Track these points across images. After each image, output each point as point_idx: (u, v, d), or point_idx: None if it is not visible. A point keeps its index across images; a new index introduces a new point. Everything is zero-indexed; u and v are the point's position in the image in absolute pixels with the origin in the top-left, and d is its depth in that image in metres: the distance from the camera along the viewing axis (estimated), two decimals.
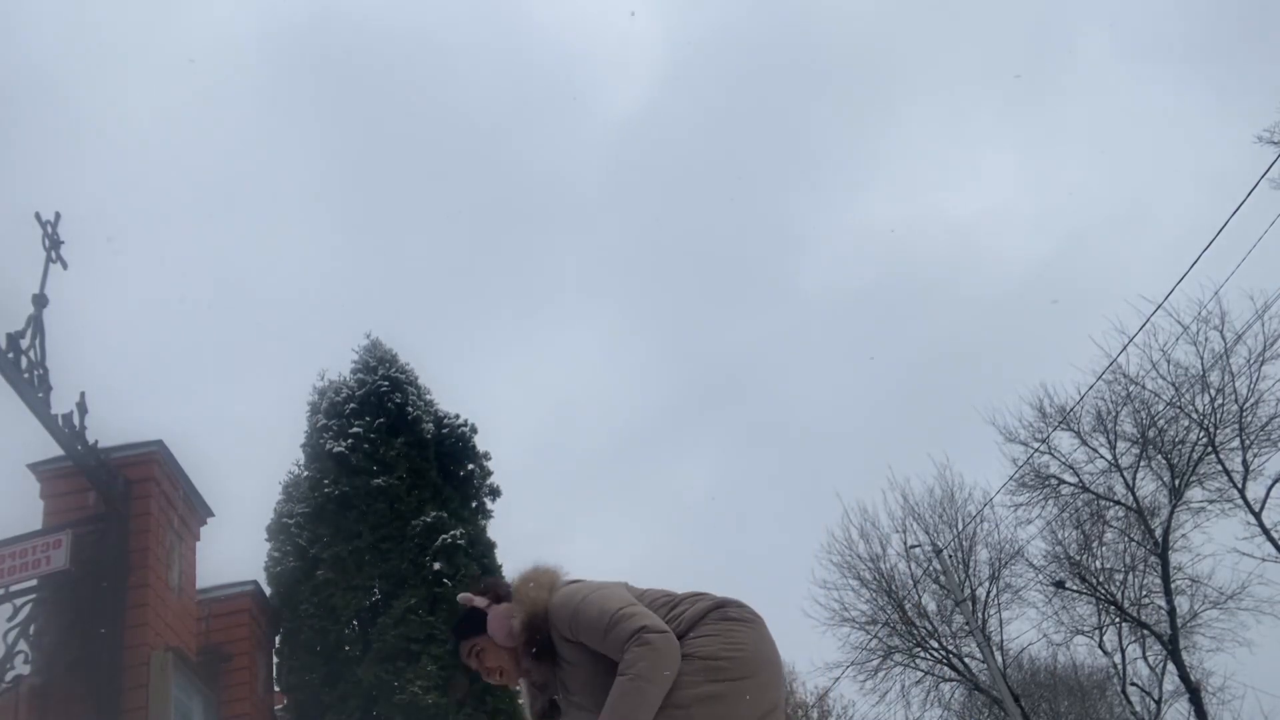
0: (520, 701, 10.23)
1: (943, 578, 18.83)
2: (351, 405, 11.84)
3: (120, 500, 7.53)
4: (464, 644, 2.59)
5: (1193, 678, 17.00)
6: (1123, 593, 18.06)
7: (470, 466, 12.32)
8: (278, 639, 10.63)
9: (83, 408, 7.01)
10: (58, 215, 7.11)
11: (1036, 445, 18.23)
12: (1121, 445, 17.64)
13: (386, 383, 11.99)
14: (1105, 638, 19.25)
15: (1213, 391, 16.35)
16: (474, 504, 12.17)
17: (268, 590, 10.66)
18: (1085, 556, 18.51)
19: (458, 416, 12.46)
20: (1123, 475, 17.70)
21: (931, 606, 19.83)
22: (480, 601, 2.59)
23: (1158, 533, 17.28)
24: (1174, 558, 17.29)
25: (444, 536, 10.80)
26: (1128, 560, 18.19)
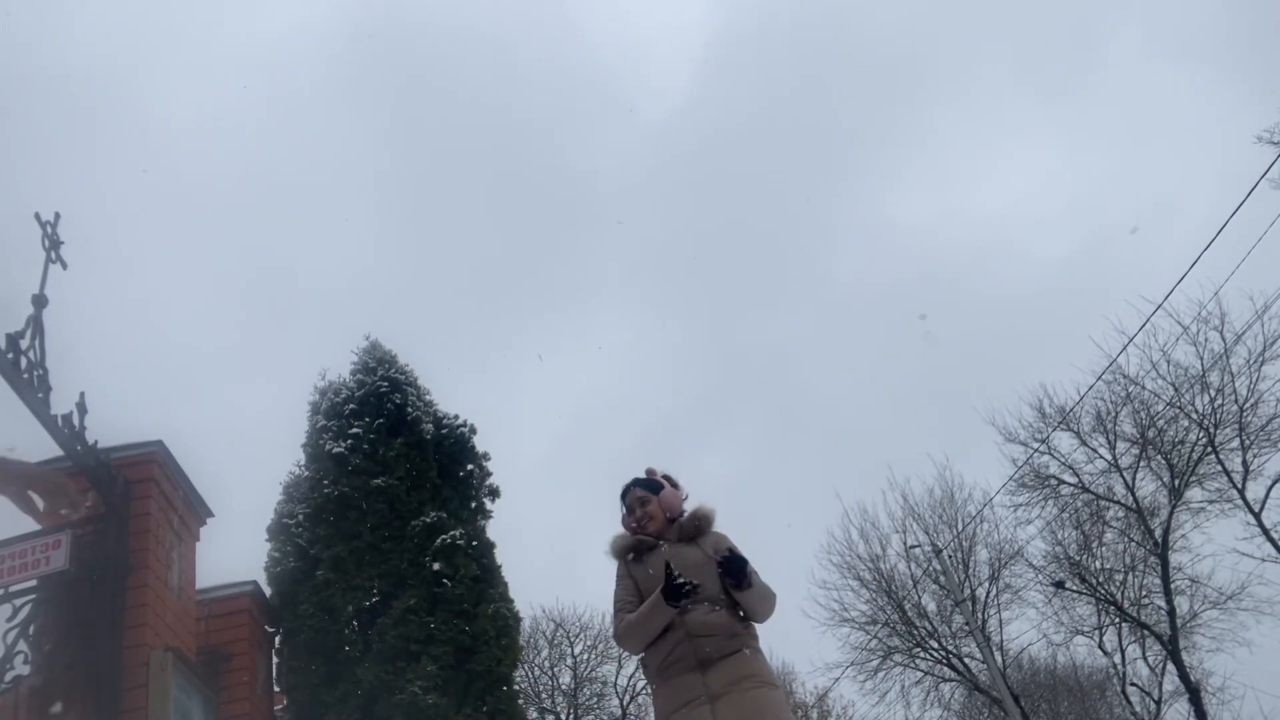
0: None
1: (942, 578, 18.84)
2: (351, 406, 11.84)
3: (120, 501, 7.53)
4: (640, 491, 3.44)
5: (1192, 678, 17.02)
6: (1122, 593, 18.08)
7: (470, 467, 12.32)
8: (278, 639, 10.63)
9: (82, 408, 7.01)
10: (57, 215, 7.11)
11: (1036, 445, 18.26)
12: (1121, 445, 17.67)
13: (386, 383, 12.00)
14: (1105, 638, 19.29)
15: (1212, 392, 16.38)
16: (473, 504, 12.18)
17: (268, 591, 10.66)
18: (1085, 557, 18.52)
19: (457, 417, 12.48)
20: (1122, 475, 17.72)
21: (931, 607, 19.86)
22: (664, 481, 3.47)
23: (1157, 533, 17.30)
24: (1174, 558, 17.31)
25: (443, 537, 10.80)
26: (1127, 560, 18.22)
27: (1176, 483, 17.05)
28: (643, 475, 3.52)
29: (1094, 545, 18.52)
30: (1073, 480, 18.19)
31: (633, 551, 3.36)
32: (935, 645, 19.57)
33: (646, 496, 3.42)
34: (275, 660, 10.58)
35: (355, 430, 11.53)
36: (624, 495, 3.51)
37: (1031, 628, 21.90)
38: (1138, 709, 19.21)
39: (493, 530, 12.20)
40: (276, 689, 10.52)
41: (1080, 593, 18.66)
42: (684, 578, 2.98)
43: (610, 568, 3.40)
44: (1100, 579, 18.31)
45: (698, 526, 3.36)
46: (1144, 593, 18.03)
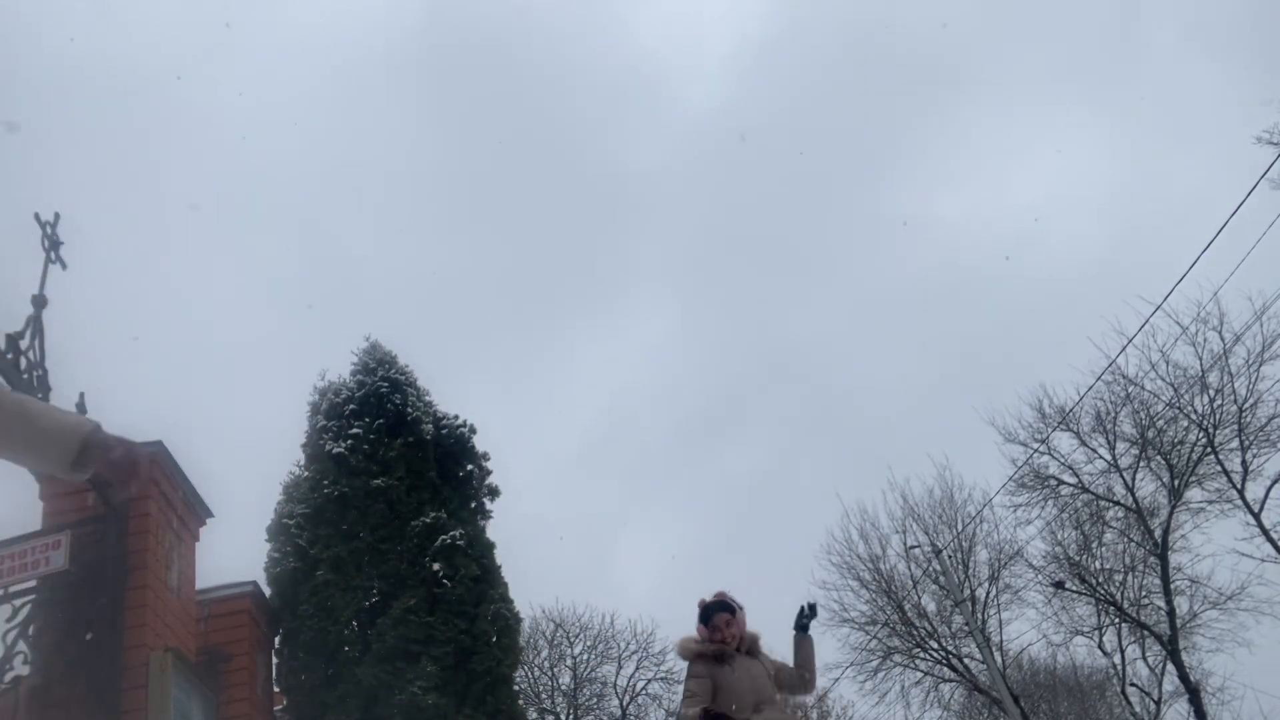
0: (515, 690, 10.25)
1: (942, 578, 18.83)
2: (351, 406, 11.85)
3: (119, 501, 7.53)
4: (727, 614, 4.38)
5: (1192, 678, 17.02)
6: (1122, 593, 18.08)
7: (470, 467, 12.33)
8: (277, 639, 10.63)
9: (82, 408, 7.01)
10: (57, 216, 7.12)
11: (1036, 446, 18.25)
12: (1121, 446, 17.67)
13: (386, 384, 12.00)
14: (1105, 638, 19.29)
15: (1212, 392, 16.38)
16: (473, 504, 12.18)
17: (267, 591, 10.66)
18: (1085, 557, 18.52)
19: (457, 417, 12.48)
20: (1122, 476, 17.72)
21: (931, 607, 19.85)
22: (735, 603, 4.50)
23: (1157, 533, 17.30)
24: (1173, 558, 17.31)
25: (443, 537, 10.81)
26: (1127, 561, 18.22)
27: (1176, 483, 17.05)
28: (716, 599, 4.50)
29: (1094, 545, 18.52)
30: (1072, 480, 18.19)
31: (715, 658, 4.28)
32: (935, 645, 19.58)
33: (731, 619, 4.38)
34: (275, 661, 10.58)
35: (355, 430, 11.53)
36: (707, 614, 4.42)
37: (1031, 628, 21.90)
38: (1137, 709, 19.22)
39: (499, 529, 12.23)
40: (276, 689, 10.52)
41: (1080, 593, 18.66)
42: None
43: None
44: (1100, 579, 18.31)
45: (754, 644, 4.45)
46: (1144, 593, 18.03)
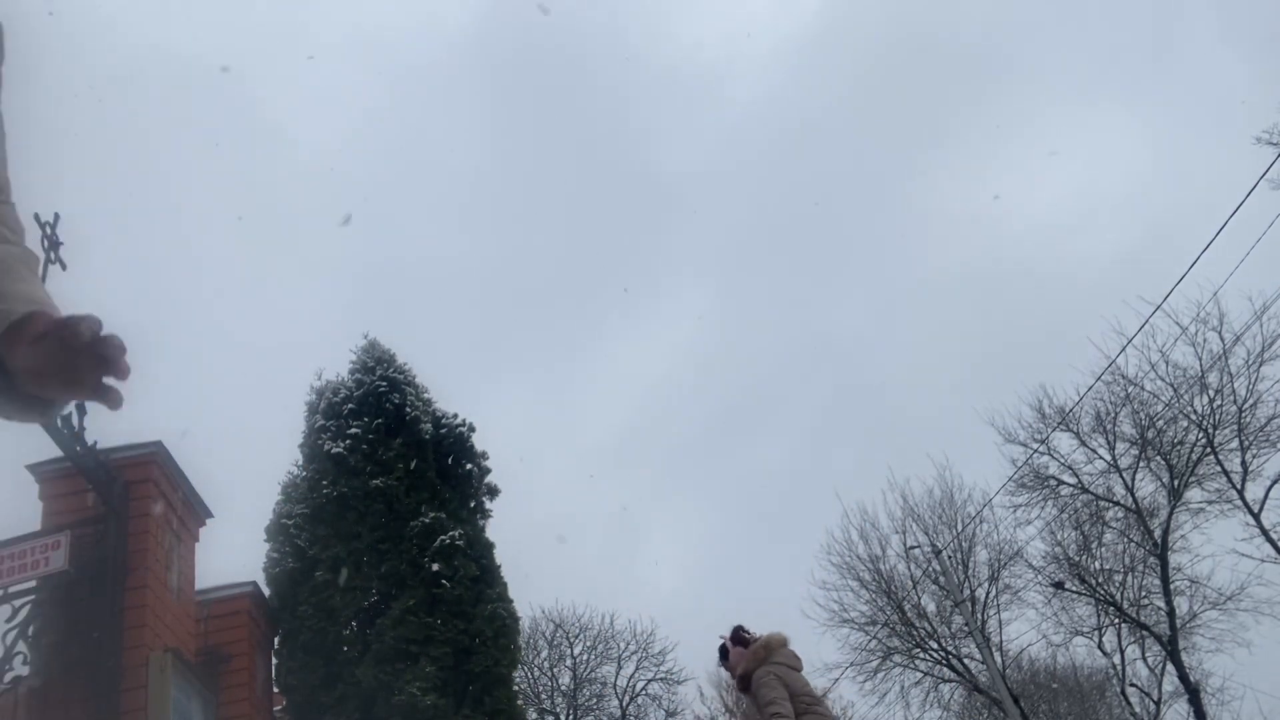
0: (516, 699, 10.28)
1: (942, 578, 18.83)
2: (349, 406, 11.84)
3: (119, 501, 7.53)
4: (728, 652, 5.05)
5: (1192, 678, 17.02)
6: (1122, 593, 18.08)
7: (469, 466, 12.32)
8: (277, 640, 10.63)
9: (82, 409, 7.00)
10: (56, 216, 7.12)
11: (1036, 446, 18.25)
12: (1120, 446, 17.67)
13: (384, 383, 11.99)
14: (1104, 639, 19.29)
15: (1211, 392, 16.38)
16: (472, 504, 12.18)
17: (266, 591, 10.66)
18: (1084, 557, 18.52)
19: (456, 416, 12.46)
20: (1122, 476, 17.73)
21: (931, 607, 19.84)
22: (739, 644, 5.01)
23: (1157, 533, 17.30)
24: (1173, 558, 17.31)
25: (442, 537, 10.81)
26: (1127, 561, 18.22)
27: (1176, 483, 17.06)
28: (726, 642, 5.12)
29: (1093, 546, 18.52)
30: (1072, 481, 18.19)
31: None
32: (935, 646, 19.57)
33: (732, 658, 5.03)
34: (274, 661, 10.59)
35: (354, 430, 11.52)
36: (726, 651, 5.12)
37: (1031, 628, 21.90)
38: (1137, 709, 19.22)
39: (495, 528, 12.23)
40: (275, 690, 10.52)
41: (1080, 593, 18.66)
42: None
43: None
44: (1100, 580, 18.31)
45: (744, 679, 4.92)
46: (1143, 593, 18.03)
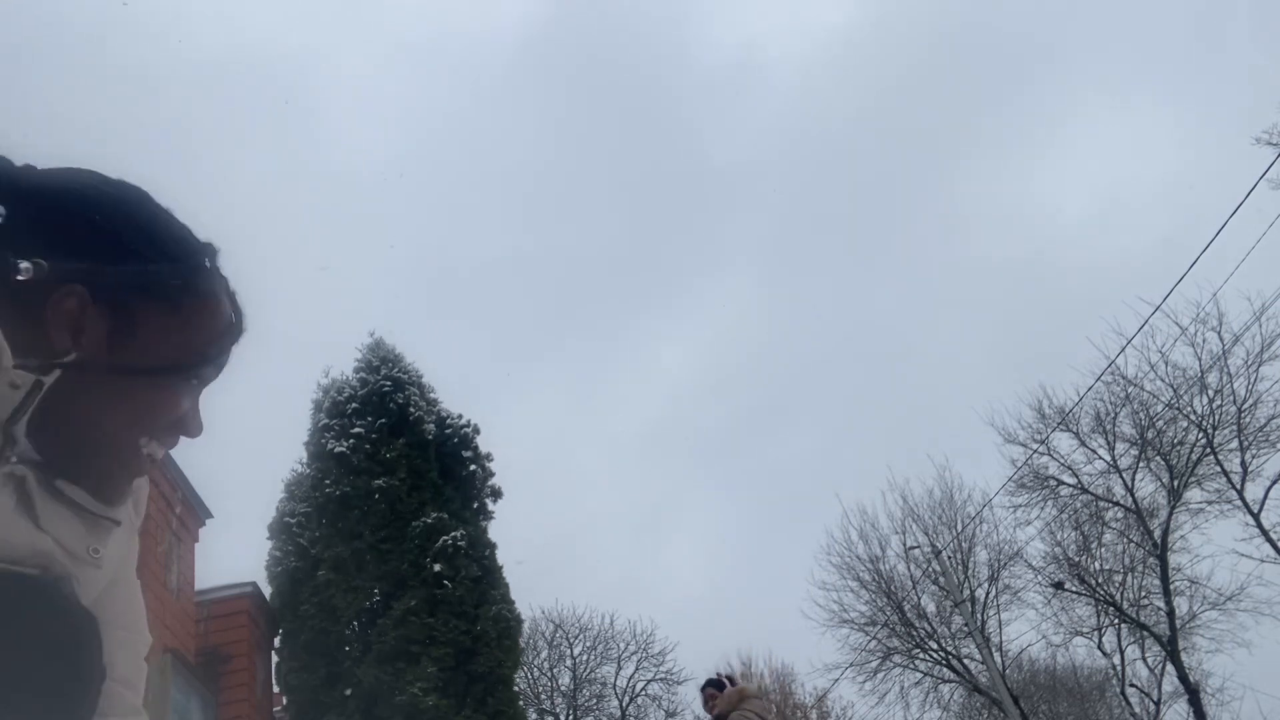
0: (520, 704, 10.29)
1: (942, 579, 18.83)
2: (353, 405, 11.86)
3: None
4: (711, 691, 5.68)
5: (1192, 679, 17.01)
6: (1122, 594, 18.07)
7: (472, 467, 12.33)
8: (277, 640, 10.64)
9: None
10: None
11: (1035, 446, 18.25)
12: (1120, 446, 17.67)
13: (389, 383, 12.00)
14: (1104, 639, 19.28)
15: (1211, 393, 16.37)
16: (475, 505, 12.19)
17: (268, 590, 10.67)
18: (1084, 557, 18.52)
19: (460, 416, 12.47)
20: (1121, 476, 17.73)
21: (931, 608, 19.85)
22: (729, 683, 5.72)
23: (1156, 534, 17.30)
24: (1173, 559, 17.30)
25: (444, 538, 10.82)
26: (1127, 561, 18.21)
27: (1175, 483, 17.05)
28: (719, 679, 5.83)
29: (1093, 546, 18.51)
30: (1072, 481, 18.19)
31: None
32: (935, 646, 19.57)
33: (716, 696, 5.57)
34: (276, 660, 10.59)
35: (357, 430, 11.53)
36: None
37: (1031, 629, 21.96)
38: (1137, 710, 19.22)
39: (494, 529, 12.22)
40: (276, 690, 10.53)
41: (1079, 594, 18.66)
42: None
43: None
44: (1099, 580, 18.30)
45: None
46: (1143, 593, 18.02)
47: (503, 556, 11.71)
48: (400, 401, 11.86)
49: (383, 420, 11.70)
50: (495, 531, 12.18)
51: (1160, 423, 17.14)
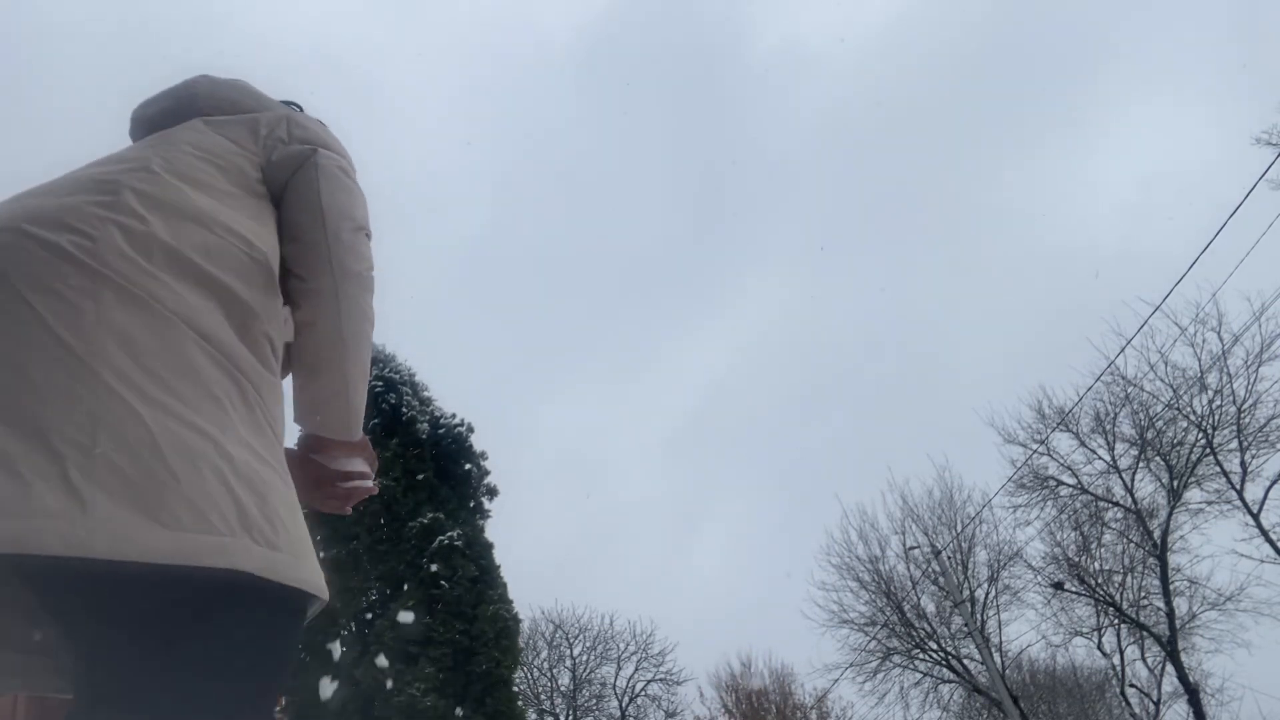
0: (519, 703, 10.29)
1: (941, 579, 18.83)
2: None
3: None
4: None
5: (1191, 679, 17.00)
6: (1121, 594, 18.07)
7: (467, 466, 12.30)
8: None
9: None
10: None
11: (1035, 447, 18.26)
12: (1120, 447, 17.68)
13: (381, 383, 11.98)
14: (1104, 639, 19.27)
15: (1211, 393, 16.38)
16: (471, 504, 12.15)
17: None
18: (1084, 558, 18.52)
19: (454, 416, 12.45)
20: (1121, 477, 17.73)
21: (930, 608, 19.85)
22: None
23: (1156, 534, 17.30)
24: (1172, 559, 17.30)
25: (441, 538, 10.79)
26: (1126, 562, 18.21)
27: (1175, 484, 17.05)
28: None
29: (1093, 546, 18.52)
30: (1071, 481, 18.20)
31: None
32: (934, 646, 19.57)
33: None
34: None
35: None
36: None
37: (1030, 629, 21.96)
38: (1137, 710, 19.21)
39: (494, 529, 12.20)
40: None
41: (1079, 594, 18.65)
42: None
43: None
44: (1099, 580, 18.30)
45: None
46: (1143, 594, 18.02)
47: (501, 556, 11.71)
48: (393, 402, 11.84)
49: (375, 421, 11.68)
50: (493, 531, 12.19)
51: (1160, 423, 17.15)
